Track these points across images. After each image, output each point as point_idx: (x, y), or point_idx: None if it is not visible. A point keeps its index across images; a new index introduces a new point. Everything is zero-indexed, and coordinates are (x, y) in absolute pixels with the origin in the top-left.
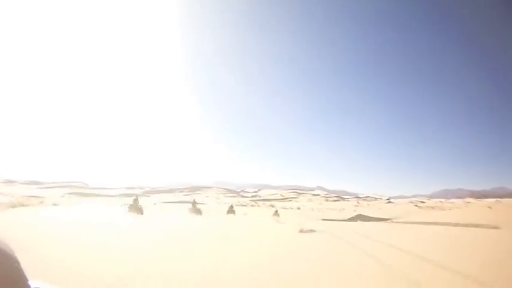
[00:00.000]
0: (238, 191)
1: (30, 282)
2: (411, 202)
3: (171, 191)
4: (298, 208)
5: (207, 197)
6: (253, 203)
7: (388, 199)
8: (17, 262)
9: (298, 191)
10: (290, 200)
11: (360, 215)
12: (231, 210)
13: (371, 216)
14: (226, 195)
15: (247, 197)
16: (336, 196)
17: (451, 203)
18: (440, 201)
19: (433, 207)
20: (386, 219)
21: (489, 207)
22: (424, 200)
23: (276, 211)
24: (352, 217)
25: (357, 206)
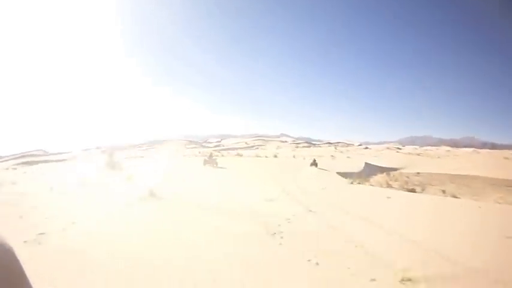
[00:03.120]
0: (201, 142)
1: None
2: (388, 148)
3: (130, 147)
4: (275, 156)
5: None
6: (216, 153)
7: (360, 145)
8: (17, 261)
9: (264, 138)
10: (257, 148)
11: (368, 163)
12: (210, 159)
13: (380, 165)
14: (187, 146)
15: (210, 147)
16: (305, 142)
17: (428, 150)
18: (415, 148)
19: (418, 154)
20: (397, 169)
21: (506, 157)
22: (399, 147)
23: (314, 160)
24: (364, 168)
25: (336, 152)
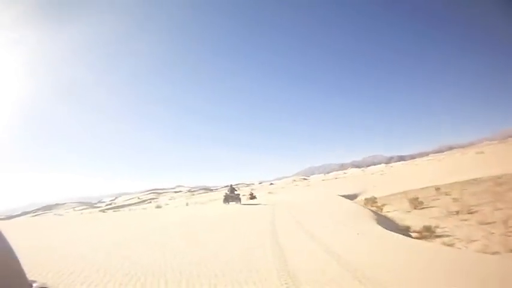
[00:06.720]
0: (94, 202)
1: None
2: (295, 180)
3: (24, 213)
4: (158, 207)
5: (55, 214)
6: (102, 212)
7: (261, 183)
8: (17, 261)
9: (158, 191)
10: (150, 202)
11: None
12: None
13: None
14: (76, 209)
15: (101, 207)
16: (201, 189)
17: (339, 175)
18: (324, 175)
19: (336, 178)
20: (357, 195)
21: (481, 152)
22: (305, 178)
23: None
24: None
25: (255, 190)
